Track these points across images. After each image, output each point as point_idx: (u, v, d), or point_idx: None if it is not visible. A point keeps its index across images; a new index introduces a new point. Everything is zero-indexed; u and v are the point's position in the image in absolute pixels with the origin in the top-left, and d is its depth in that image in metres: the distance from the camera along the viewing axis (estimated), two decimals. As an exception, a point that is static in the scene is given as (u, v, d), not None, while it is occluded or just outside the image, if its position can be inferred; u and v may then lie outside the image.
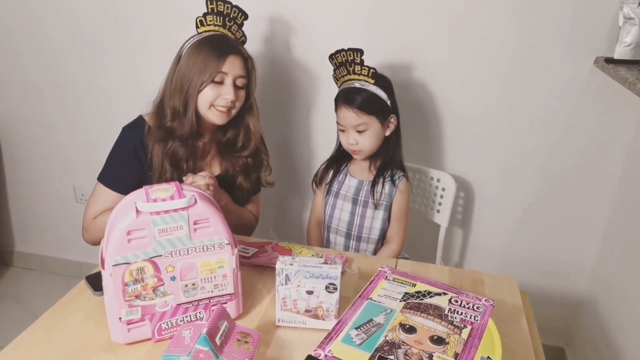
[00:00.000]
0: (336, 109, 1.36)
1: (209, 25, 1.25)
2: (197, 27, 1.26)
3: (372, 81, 1.30)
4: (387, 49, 1.58)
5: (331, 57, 1.34)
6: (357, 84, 1.31)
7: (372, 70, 1.29)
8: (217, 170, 1.37)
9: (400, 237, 1.43)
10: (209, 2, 1.24)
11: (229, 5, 1.26)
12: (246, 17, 1.30)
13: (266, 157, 1.44)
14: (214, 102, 1.23)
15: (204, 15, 1.25)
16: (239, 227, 1.38)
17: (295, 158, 1.84)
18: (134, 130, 1.28)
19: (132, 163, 1.27)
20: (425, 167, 1.66)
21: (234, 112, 1.28)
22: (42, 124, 2.02)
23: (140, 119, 1.30)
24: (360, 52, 1.28)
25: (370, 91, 1.30)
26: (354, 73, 1.31)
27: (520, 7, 1.47)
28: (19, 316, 2.02)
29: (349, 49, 1.29)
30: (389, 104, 1.34)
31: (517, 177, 1.68)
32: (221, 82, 1.22)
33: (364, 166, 1.42)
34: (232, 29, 1.28)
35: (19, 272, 2.32)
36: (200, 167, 1.32)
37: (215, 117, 1.25)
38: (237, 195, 1.40)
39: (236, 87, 1.24)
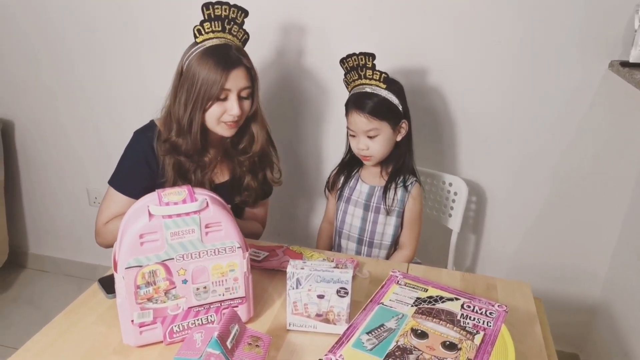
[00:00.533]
0: (347, 114, 1.35)
1: (207, 33, 1.21)
2: (195, 36, 1.22)
3: (384, 86, 1.29)
4: (398, 54, 1.58)
5: (342, 61, 1.33)
6: (368, 89, 1.30)
7: (383, 74, 1.28)
8: (226, 176, 1.38)
9: (413, 244, 1.42)
10: (204, 8, 1.19)
11: (227, 7, 1.22)
12: (246, 14, 1.25)
13: (276, 159, 1.43)
14: (220, 118, 1.23)
15: (201, 23, 1.21)
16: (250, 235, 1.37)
17: (304, 161, 1.84)
18: (144, 136, 1.29)
19: (142, 168, 1.28)
20: (437, 172, 1.65)
21: (241, 122, 1.27)
22: (56, 126, 2.04)
23: (151, 124, 1.30)
24: (372, 56, 1.27)
25: (381, 96, 1.29)
26: (365, 77, 1.30)
27: (534, 10, 1.46)
28: (33, 318, 2.04)
29: (361, 53, 1.28)
30: (400, 109, 1.33)
31: (529, 181, 1.67)
32: (225, 99, 1.21)
33: (375, 172, 1.41)
34: (232, 31, 1.25)
35: (33, 274, 2.35)
36: (210, 177, 1.32)
37: (223, 131, 1.25)
38: (244, 196, 1.39)
39: (240, 99, 1.23)
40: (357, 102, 1.30)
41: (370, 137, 1.32)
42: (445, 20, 1.53)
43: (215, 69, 1.17)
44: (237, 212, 1.47)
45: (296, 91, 1.73)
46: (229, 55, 1.20)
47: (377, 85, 1.29)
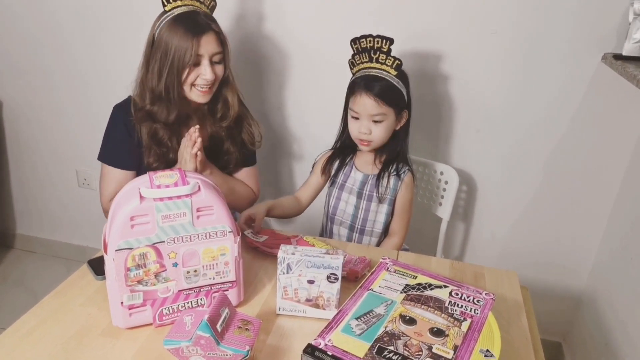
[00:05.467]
0: (352, 95, 1.31)
1: (175, 1, 1.23)
2: (163, 5, 1.23)
3: (395, 72, 1.27)
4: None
5: (354, 40, 1.29)
6: (377, 73, 1.28)
7: (397, 61, 1.25)
8: (203, 142, 1.37)
9: (403, 231, 1.43)
10: None
11: None
12: None
13: (252, 120, 1.44)
14: (193, 82, 1.25)
15: None
16: (233, 201, 1.37)
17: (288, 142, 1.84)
18: (122, 110, 1.32)
19: (124, 139, 1.31)
20: (428, 160, 1.65)
21: (214, 87, 1.30)
22: (45, 107, 2.02)
23: (129, 99, 1.34)
24: (390, 41, 1.24)
25: (392, 82, 1.28)
26: (377, 62, 1.27)
27: (528, 1, 1.46)
28: (21, 298, 2.03)
29: (378, 36, 1.24)
30: (406, 98, 1.32)
31: (520, 172, 1.68)
32: (198, 64, 1.23)
33: (369, 159, 1.41)
34: None
35: (20, 255, 2.33)
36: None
37: (197, 96, 1.28)
38: (224, 161, 1.41)
39: (212, 64, 1.25)
40: (368, 85, 1.27)
41: (375, 122, 1.30)
42: (440, 10, 1.53)
43: (185, 36, 1.19)
44: None
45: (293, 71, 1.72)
46: (197, 21, 1.22)
47: (388, 71, 1.27)
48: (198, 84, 1.25)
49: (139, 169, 1.33)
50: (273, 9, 1.65)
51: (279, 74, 1.73)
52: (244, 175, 1.47)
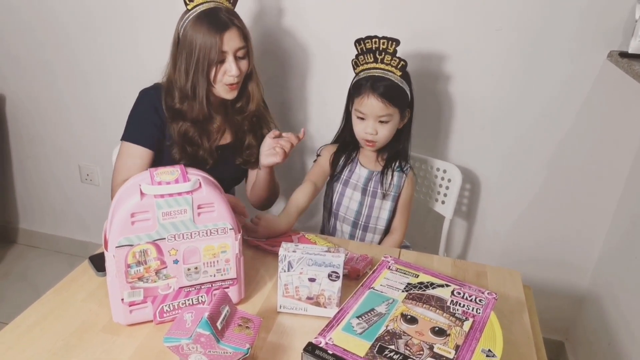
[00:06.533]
0: (357, 96, 1.30)
1: None
2: (186, 4, 1.24)
3: (399, 73, 1.27)
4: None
5: (358, 41, 1.28)
6: (382, 74, 1.27)
7: (402, 62, 1.25)
8: (228, 138, 1.40)
9: (404, 227, 1.43)
10: None
11: None
12: None
13: (269, 117, 1.45)
14: (221, 80, 1.26)
15: None
16: (274, 195, 1.49)
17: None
18: (153, 92, 1.32)
19: (153, 118, 1.31)
20: (431, 158, 1.64)
21: (240, 82, 1.30)
22: (49, 101, 2.02)
23: (158, 85, 1.33)
24: (396, 42, 1.23)
25: (397, 83, 1.27)
26: (382, 62, 1.26)
27: (534, -3, 1.45)
28: (23, 293, 2.04)
29: (383, 37, 1.24)
30: (409, 97, 1.32)
31: (523, 170, 1.67)
32: (223, 61, 1.24)
33: (372, 157, 1.41)
34: None
35: (22, 249, 2.34)
36: (213, 140, 1.36)
37: (225, 92, 1.29)
38: (246, 155, 1.42)
39: (237, 59, 1.25)
40: (375, 86, 1.26)
41: (381, 122, 1.29)
42: (445, 6, 1.51)
43: (209, 34, 1.20)
44: (242, 178, 1.51)
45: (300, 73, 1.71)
46: (219, 18, 1.22)
47: (392, 72, 1.27)
48: (225, 82, 1.26)
49: (160, 156, 1.33)
50: (291, 4, 1.63)
51: (298, 68, 1.72)
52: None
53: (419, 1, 1.53)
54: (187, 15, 1.24)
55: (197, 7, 1.23)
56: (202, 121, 1.30)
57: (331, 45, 1.63)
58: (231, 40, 1.22)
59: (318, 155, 1.46)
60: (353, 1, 1.57)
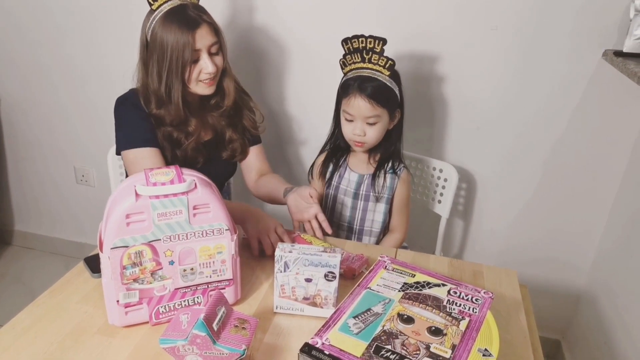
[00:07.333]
0: (344, 97, 1.29)
1: None
2: (150, 4, 1.19)
3: (388, 73, 1.25)
4: (391, 39, 1.55)
5: (345, 41, 1.27)
6: (370, 74, 1.26)
7: (390, 62, 1.24)
8: (209, 134, 1.38)
9: (404, 227, 1.42)
10: None
11: None
12: None
13: (253, 103, 1.43)
14: (197, 78, 1.24)
15: None
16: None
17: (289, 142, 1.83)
18: (128, 99, 1.29)
19: (141, 117, 1.27)
20: (427, 157, 1.64)
21: (217, 77, 1.28)
22: (44, 103, 2.01)
23: (133, 90, 1.30)
24: (383, 41, 1.22)
25: (385, 83, 1.26)
26: (370, 62, 1.25)
27: (530, -3, 1.45)
28: (18, 295, 2.03)
29: (370, 37, 1.22)
30: (399, 97, 1.31)
31: (520, 169, 1.67)
32: (198, 59, 1.22)
33: (363, 159, 1.39)
34: None
35: (18, 251, 2.33)
36: (197, 138, 1.33)
37: (201, 89, 1.27)
38: (230, 149, 1.40)
39: (211, 55, 1.24)
40: (362, 87, 1.25)
41: (369, 124, 1.28)
42: (440, 6, 1.51)
43: (180, 33, 1.17)
44: (233, 171, 1.49)
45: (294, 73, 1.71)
46: (188, 15, 1.19)
47: (380, 72, 1.25)
48: (201, 79, 1.24)
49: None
50: (264, 2, 1.63)
51: (276, 66, 1.72)
52: (254, 155, 1.46)
53: (415, 1, 1.52)
54: (153, 15, 1.20)
55: (162, 7, 1.19)
56: (180, 123, 1.28)
57: (326, 42, 1.63)
58: (203, 37, 1.20)
59: (312, 178, 1.47)
60: (353, 1, 1.57)
